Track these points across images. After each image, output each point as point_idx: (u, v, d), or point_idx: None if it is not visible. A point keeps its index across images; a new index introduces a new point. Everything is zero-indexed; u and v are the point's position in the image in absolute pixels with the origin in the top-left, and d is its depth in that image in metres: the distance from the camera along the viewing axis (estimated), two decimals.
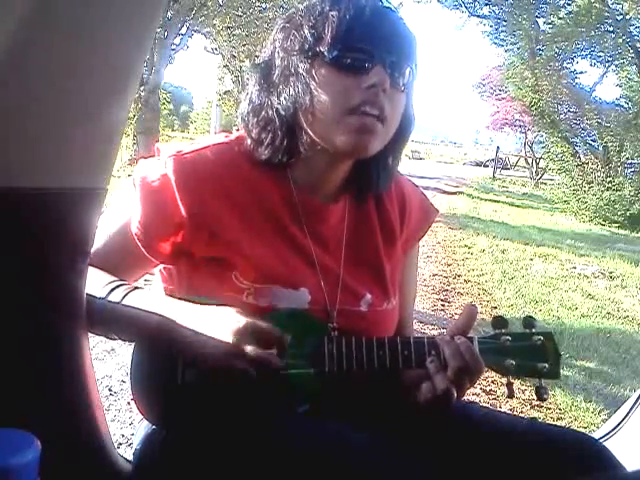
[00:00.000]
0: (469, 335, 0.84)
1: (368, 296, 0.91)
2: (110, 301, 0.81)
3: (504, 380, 0.86)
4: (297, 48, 0.84)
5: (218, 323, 0.77)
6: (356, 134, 0.81)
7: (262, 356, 0.75)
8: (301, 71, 0.83)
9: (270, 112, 0.86)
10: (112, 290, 0.82)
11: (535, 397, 0.84)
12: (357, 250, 0.94)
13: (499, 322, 0.86)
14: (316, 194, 0.91)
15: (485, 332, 0.89)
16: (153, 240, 0.86)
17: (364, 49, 0.81)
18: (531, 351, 0.84)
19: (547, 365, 0.83)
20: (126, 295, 0.82)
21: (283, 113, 0.84)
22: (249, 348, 0.75)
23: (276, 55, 0.87)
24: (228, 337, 0.75)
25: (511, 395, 0.86)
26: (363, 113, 0.80)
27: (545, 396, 0.83)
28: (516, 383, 0.85)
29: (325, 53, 0.81)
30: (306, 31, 0.83)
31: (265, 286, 0.84)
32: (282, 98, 0.85)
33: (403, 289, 1.01)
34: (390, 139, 0.87)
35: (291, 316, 0.83)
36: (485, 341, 0.84)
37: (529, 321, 0.85)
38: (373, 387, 0.91)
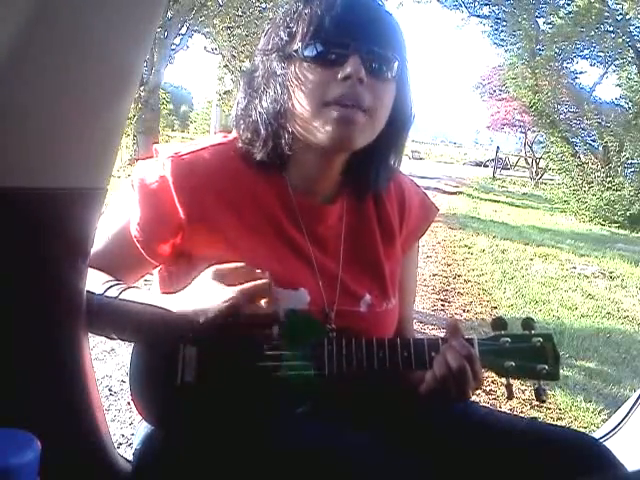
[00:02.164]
0: (468, 336, 0.84)
1: (367, 297, 0.91)
2: (107, 296, 0.81)
3: (504, 380, 0.86)
4: (274, 49, 0.85)
5: (207, 290, 0.78)
6: (336, 126, 0.80)
7: (259, 307, 0.76)
8: (279, 71, 0.84)
9: (255, 116, 0.86)
10: (107, 289, 0.83)
11: (534, 394, 0.84)
12: (356, 250, 0.93)
13: (499, 323, 0.86)
14: (313, 194, 0.91)
15: (485, 332, 0.89)
16: (152, 242, 0.86)
17: (337, 41, 0.80)
18: (530, 353, 0.84)
19: (546, 367, 0.83)
20: (121, 293, 0.82)
21: (266, 116, 0.85)
22: (242, 299, 0.76)
23: (258, 59, 0.88)
24: (223, 294, 0.76)
25: (510, 396, 0.86)
26: (340, 105, 0.80)
27: (544, 397, 0.83)
28: (516, 383, 0.85)
29: (299, 50, 0.81)
30: (281, 32, 0.84)
31: None
32: (264, 101, 0.85)
33: (403, 288, 1.00)
34: (385, 134, 0.87)
35: (291, 316, 0.83)
36: (484, 342, 0.84)
37: (528, 323, 0.85)
38: (373, 388, 0.91)
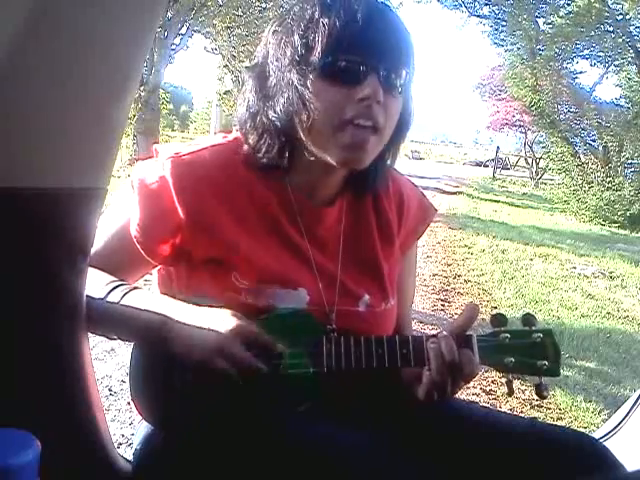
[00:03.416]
0: (468, 333, 0.84)
1: (366, 297, 0.91)
2: (109, 301, 0.81)
3: (504, 379, 0.86)
4: (289, 57, 0.82)
5: (211, 323, 0.78)
6: (349, 150, 0.81)
7: (246, 359, 0.77)
8: (294, 82, 0.81)
9: (266, 121, 0.85)
10: (111, 290, 0.83)
11: (535, 396, 0.84)
12: (355, 251, 0.93)
13: (498, 320, 0.85)
14: (312, 197, 0.91)
15: (485, 332, 0.89)
16: (152, 242, 0.86)
17: (356, 59, 0.79)
18: (530, 348, 0.83)
19: (547, 362, 0.82)
20: (125, 295, 0.82)
21: (279, 123, 0.84)
22: (236, 350, 0.76)
23: (269, 61, 0.86)
24: (218, 337, 0.76)
25: (511, 393, 0.86)
26: (356, 126, 0.79)
27: (545, 393, 0.83)
28: (516, 383, 0.85)
29: (316, 63, 0.79)
30: (297, 39, 0.81)
31: (264, 286, 0.84)
32: (277, 108, 0.84)
33: (402, 289, 1.00)
34: (388, 145, 0.87)
35: (290, 316, 0.83)
36: (484, 339, 0.84)
37: (528, 318, 0.85)
38: (372, 386, 0.91)
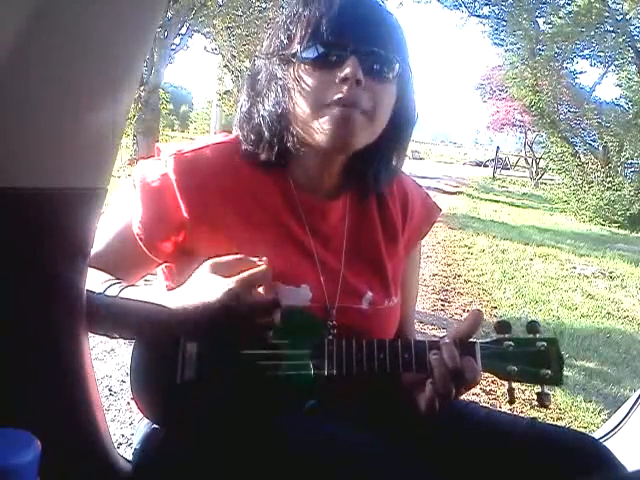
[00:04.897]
0: (471, 340, 0.83)
1: (369, 294, 0.91)
2: (107, 295, 0.81)
3: (505, 383, 0.85)
4: (275, 52, 0.85)
5: (209, 286, 0.77)
6: (335, 126, 0.80)
7: (259, 298, 0.76)
8: (280, 74, 0.84)
9: (258, 117, 0.87)
10: (108, 288, 0.82)
11: (535, 398, 0.83)
12: (358, 248, 0.94)
13: (502, 327, 0.84)
14: (315, 192, 0.91)
15: (484, 332, 0.89)
16: (155, 239, 0.86)
17: (335, 43, 0.80)
18: (534, 357, 0.82)
19: (549, 371, 0.81)
20: (122, 291, 0.82)
21: (269, 119, 0.85)
22: (245, 294, 0.75)
23: (260, 62, 0.88)
24: (223, 291, 0.75)
25: (512, 401, 0.85)
26: (338, 106, 0.80)
27: (547, 402, 0.81)
28: (516, 383, 0.85)
29: (299, 53, 0.81)
30: (281, 34, 0.84)
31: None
32: (266, 104, 0.86)
33: (405, 288, 1.01)
34: (386, 134, 0.87)
35: (292, 314, 0.83)
36: (487, 346, 0.83)
37: (533, 326, 0.84)
38: (374, 388, 0.91)
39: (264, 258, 0.79)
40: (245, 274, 0.76)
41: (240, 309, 0.75)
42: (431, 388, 0.80)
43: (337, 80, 0.79)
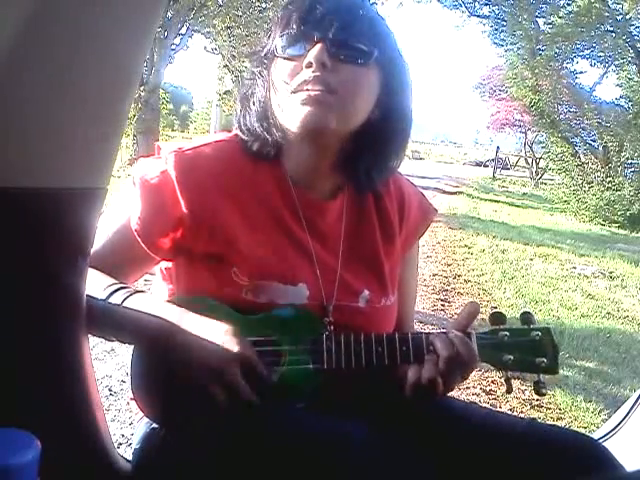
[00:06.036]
0: (467, 331, 0.85)
1: (366, 292, 0.92)
2: (110, 303, 0.81)
3: (503, 377, 0.86)
4: (258, 52, 0.92)
5: (213, 340, 0.76)
6: (302, 110, 0.82)
7: (242, 389, 0.76)
8: (262, 73, 0.90)
9: (249, 116, 0.92)
10: (112, 293, 0.82)
11: (535, 396, 0.84)
12: (355, 247, 0.94)
13: (497, 318, 0.87)
14: (312, 189, 0.92)
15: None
16: (153, 236, 0.86)
17: (304, 33, 0.84)
18: (529, 346, 0.84)
19: (545, 360, 0.84)
20: (126, 298, 0.81)
21: (256, 116, 0.91)
22: (234, 378, 0.75)
23: (249, 65, 0.96)
24: (218, 361, 0.75)
25: (509, 390, 0.87)
26: (304, 89, 0.82)
27: (544, 391, 0.84)
28: (516, 383, 0.85)
29: (275, 49, 0.87)
30: (264, 37, 0.91)
31: (264, 282, 0.84)
32: (253, 103, 0.91)
33: (403, 287, 1.01)
34: (374, 125, 0.87)
35: (290, 313, 0.84)
36: (483, 337, 0.85)
37: (527, 316, 0.86)
38: (372, 383, 0.91)
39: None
40: (254, 355, 0.77)
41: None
42: (411, 374, 0.83)
43: (304, 66, 0.83)
